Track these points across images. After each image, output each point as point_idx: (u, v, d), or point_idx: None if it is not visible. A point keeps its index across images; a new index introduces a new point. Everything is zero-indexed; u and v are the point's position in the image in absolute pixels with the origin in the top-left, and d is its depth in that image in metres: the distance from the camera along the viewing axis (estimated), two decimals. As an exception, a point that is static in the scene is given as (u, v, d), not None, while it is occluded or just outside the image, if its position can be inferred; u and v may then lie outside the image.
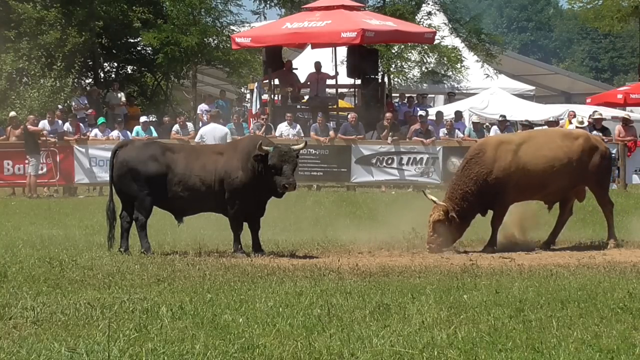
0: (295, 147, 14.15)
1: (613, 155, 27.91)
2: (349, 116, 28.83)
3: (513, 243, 15.03)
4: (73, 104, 31.88)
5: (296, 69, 31.08)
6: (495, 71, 38.40)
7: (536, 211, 15.76)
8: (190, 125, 29.73)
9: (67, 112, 29.62)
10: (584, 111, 32.42)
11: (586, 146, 15.13)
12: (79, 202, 25.44)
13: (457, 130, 29.05)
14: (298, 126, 28.42)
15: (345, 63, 30.64)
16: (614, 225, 15.47)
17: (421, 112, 29.58)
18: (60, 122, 28.24)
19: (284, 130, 28.35)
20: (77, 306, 9.53)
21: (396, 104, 32.52)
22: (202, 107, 31.65)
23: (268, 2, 40.25)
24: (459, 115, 30.89)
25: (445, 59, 37.05)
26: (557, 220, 15.44)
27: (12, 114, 28.81)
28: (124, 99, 33.81)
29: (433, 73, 37.59)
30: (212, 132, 26.79)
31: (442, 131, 29.00)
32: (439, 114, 30.56)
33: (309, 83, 30.34)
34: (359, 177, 27.95)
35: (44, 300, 9.87)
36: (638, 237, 15.86)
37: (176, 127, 28.99)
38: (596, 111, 30.53)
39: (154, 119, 29.98)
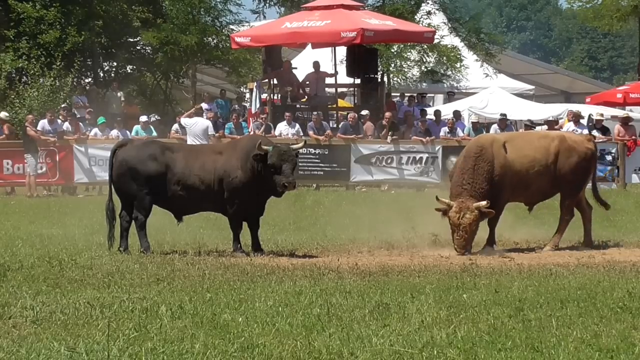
0: (295, 146, 14.16)
1: (613, 154, 28.01)
2: (348, 116, 28.85)
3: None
4: (73, 102, 31.90)
5: (295, 68, 31.09)
6: (494, 70, 38.37)
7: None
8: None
9: (68, 111, 29.59)
10: (584, 111, 32.43)
11: (561, 147, 15.11)
12: (78, 201, 25.43)
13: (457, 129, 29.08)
14: (297, 125, 28.44)
15: (344, 62, 30.65)
16: (563, 233, 15.23)
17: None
18: (59, 121, 28.24)
19: (283, 129, 28.36)
20: (76, 305, 9.52)
21: (397, 103, 32.57)
22: (203, 106, 31.64)
23: (267, 1, 40.24)
24: (457, 115, 30.90)
25: (444, 58, 37.04)
26: (583, 220, 15.42)
27: (2, 115, 28.70)
28: (122, 98, 33.81)
29: (432, 72, 37.59)
30: (194, 124, 26.66)
31: (444, 130, 29.01)
32: (437, 113, 30.57)
33: (307, 82, 30.35)
34: (358, 177, 27.95)
35: (43, 299, 9.87)
36: (637, 237, 15.86)
37: (176, 126, 29.03)
38: (601, 113, 30.60)
39: (157, 118, 30.00)
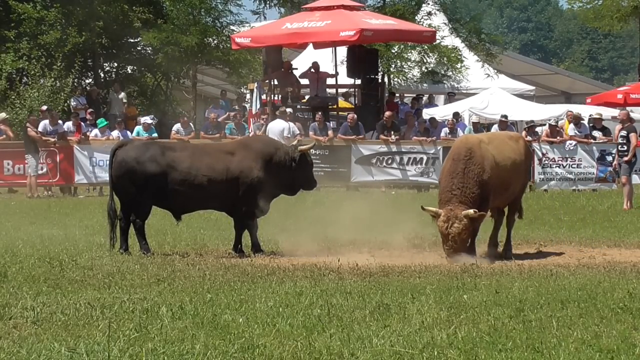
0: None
1: (613, 154, 27.96)
2: (348, 116, 28.85)
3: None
4: (73, 103, 31.92)
5: (296, 69, 31.10)
6: (495, 71, 38.38)
7: None
8: (191, 125, 29.86)
9: (68, 112, 29.62)
10: (584, 111, 32.42)
11: (525, 148, 14.97)
12: (79, 202, 25.44)
13: (457, 129, 29.08)
14: (291, 124, 28.46)
15: (345, 63, 30.65)
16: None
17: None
18: (60, 122, 28.27)
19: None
20: (77, 306, 9.53)
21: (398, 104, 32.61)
22: (212, 109, 31.79)
23: (268, 2, 40.25)
24: (456, 116, 30.89)
25: (445, 59, 37.04)
26: (496, 224, 14.91)
27: (1, 115, 28.75)
28: (125, 100, 33.84)
29: (433, 73, 37.60)
30: (273, 127, 27.66)
31: (444, 131, 29.01)
32: (432, 120, 30.29)
33: (307, 81, 30.36)
34: (359, 177, 27.95)
35: (44, 300, 9.87)
36: (637, 237, 15.85)
37: (176, 126, 29.10)
38: (599, 113, 30.58)
39: (152, 120, 30.07)
